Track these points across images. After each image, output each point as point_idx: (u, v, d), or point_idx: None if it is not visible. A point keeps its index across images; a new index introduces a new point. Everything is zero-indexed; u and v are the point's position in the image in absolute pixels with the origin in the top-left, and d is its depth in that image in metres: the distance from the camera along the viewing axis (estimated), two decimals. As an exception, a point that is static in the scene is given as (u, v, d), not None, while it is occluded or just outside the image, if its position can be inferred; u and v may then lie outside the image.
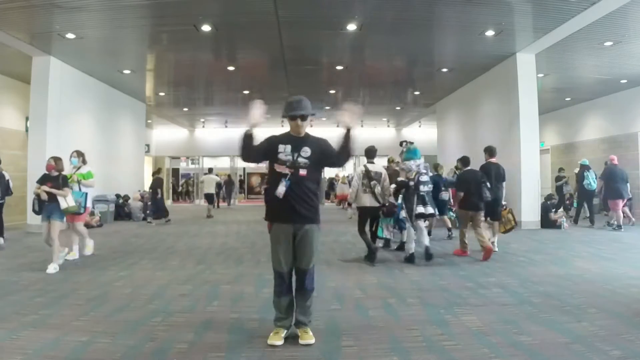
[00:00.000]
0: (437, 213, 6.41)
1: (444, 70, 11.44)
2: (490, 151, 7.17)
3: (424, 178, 5.98)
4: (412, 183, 5.92)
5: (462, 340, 3.09)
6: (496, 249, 6.62)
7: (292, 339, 3.12)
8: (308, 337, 3.04)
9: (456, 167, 8.60)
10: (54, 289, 4.49)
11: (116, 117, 13.22)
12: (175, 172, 23.80)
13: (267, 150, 3.14)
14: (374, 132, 21.87)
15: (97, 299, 4.17)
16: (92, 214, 10.71)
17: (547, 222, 9.71)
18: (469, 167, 6.85)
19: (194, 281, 4.93)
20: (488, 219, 6.79)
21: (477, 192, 6.32)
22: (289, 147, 3.08)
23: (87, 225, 10.09)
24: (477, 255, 6.19)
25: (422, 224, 6.13)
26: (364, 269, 5.60)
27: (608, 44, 8.88)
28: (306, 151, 3.08)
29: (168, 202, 19.15)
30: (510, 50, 9.63)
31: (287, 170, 3.05)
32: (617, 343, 2.98)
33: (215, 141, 22.23)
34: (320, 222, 3.20)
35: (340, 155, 3.10)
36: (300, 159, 3.06)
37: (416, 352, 2.91)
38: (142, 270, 5.56)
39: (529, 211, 9.69)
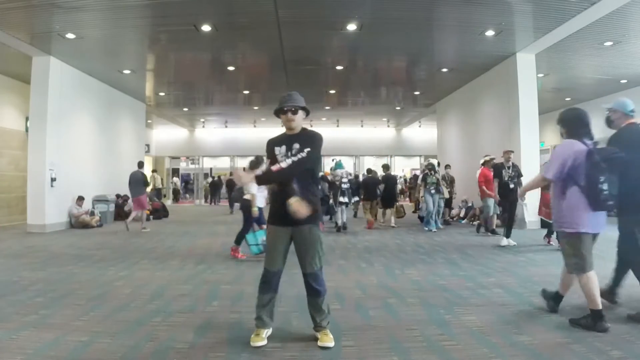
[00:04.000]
0: (351, 201, 10.20)
1: (444, 70, 11.44)
2: (386, 167, 10.99)
3: (345, 180, 9.68)
4: (338, 183, 9.67)
5: (462, 340, 3.08)
6: (393, 225, 10.34)
7: (292, 339, 3.13)
8: (327, 340, 3.00)
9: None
10: (54, 289, 4.49)
11: (116, 117, 13.22)
12: (176, 172, 23.85)
13: (271, 159, 3.10)
14: (374, 132, 21.92)
15: (97, 299, 4.17)
16: (92, 214, 10.73)
17: (545, 222, 9.68)
18: (370, 175, 11.33)
19: (194, 281, 4.93)
20: (386, 208, 10.66)
21: (373, 190, 10.37)
22: (283, 148, 3.03)
23: (87, 226, 10.15)
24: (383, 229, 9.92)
25: (343, 208, 9.69)
26: (363, 269, 5.61)
27: (608, 44, 8.89)
28: (295, 148, 2.96)
29: (168, 202, 19.18)
30: (510, 50, 9.63)
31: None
32: (617, 343, 2.98)
33: (215, 141, 22.26)
34: (321, 220, 3.17)
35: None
36: (293, 158, 2.95)
37: (416, 352, 2.91)
38: (142, 270, 5.56)
39: (529, 211, 9.68)
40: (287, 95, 3.11)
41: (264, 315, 3.09)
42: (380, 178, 10.96)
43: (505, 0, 7.04)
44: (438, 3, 7.26)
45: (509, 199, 7.34)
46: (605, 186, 3.20)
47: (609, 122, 3.84)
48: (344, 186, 9.58)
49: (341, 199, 9.54)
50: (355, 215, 12.92)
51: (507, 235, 7.27)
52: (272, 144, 3.11)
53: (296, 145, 2.97)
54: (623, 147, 3.43)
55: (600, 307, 3.24)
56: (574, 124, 3.53)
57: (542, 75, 10.84)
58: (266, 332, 3.09)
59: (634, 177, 3.39)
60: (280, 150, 3.03)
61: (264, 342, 3.02)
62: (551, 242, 7.25)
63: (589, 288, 3.27)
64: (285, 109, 3.04)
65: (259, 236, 5.94)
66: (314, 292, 3.06)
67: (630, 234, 3.55)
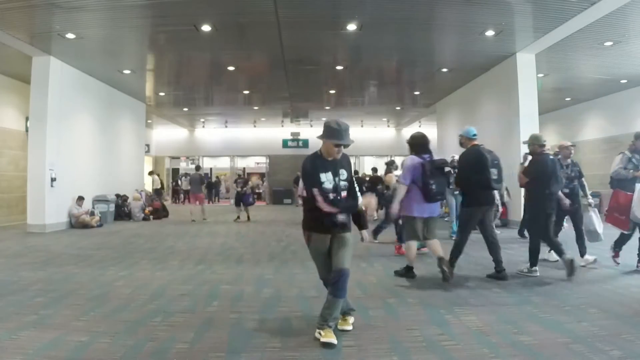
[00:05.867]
0: None
1: (444, 70, 11.44)
2: (374, 170, 12.73)
3: None
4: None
5: (462, 340, 3.09)
6: (375, 218, 11.00)
7: (292, 339, 3.13)
8: (331, 336, 3.03)
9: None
10: (54, 289, 4.49)
11: (116, 117, 13.21)
12: (176, 171, 23.81)
13: (315, 183, 3.15)
14: (374, 132, 21.92)
15: (97, 299, 4.17)
16: (92, 214, 10.73)
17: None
18: (357, 176, 11.56)
19: (194, 281, 4.93)
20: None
21: (359, 188, 11.17)
22: (330, 175, 3.16)
23: (87, 226, 10.15)
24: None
25: None
26: (364, 269, 5.61)
27: (608, 44, 8.88)
28: (343, 174, 3.21)
29: (167, 203, 19.15)
30: (510, 50, 9.63)
31: (330, 196, 3.11)
32: (617, 343, 2.98)
33: (215, 141, 22.24)
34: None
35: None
36: (341, 183, 3.19)
37: (416, 352, 2.91)
38: (142, 270, 5.56)
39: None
40: (344, 130, 3.13)
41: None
42: (368, 179, 12.60)
43: (505, 0, 7.04)
44: (438, 3, 7.26)
45: (568, 206, 5.66)
46: (434, 186, 4.70)
47: (460, 144, 5.30)
48: None
49: None
50: None
51: (582, 253, 5.68)
52: (317, 169, 3.15)
53: (343, 172, 3.22)
54: (466, 161, 5.06)
55: (412, 264, 5.04)
56: (415, 144, 5.00)
57: (542, 75, 10.83)
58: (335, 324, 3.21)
59: (474, 179, 4.90)
60: (327, 177, 3.15)
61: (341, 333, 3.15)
62: (618, 259, 5.54)
63: (409, 250, 5.01)
64: (344, 144, 3.16)
65: None
66: (342, 292, 3.11)
67: (469, 223, 5.11)
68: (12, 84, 11.22)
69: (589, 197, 6.00)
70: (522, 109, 9.86)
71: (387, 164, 8.75)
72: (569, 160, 5.93)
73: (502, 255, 5.02)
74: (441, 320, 3.54)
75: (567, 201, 5.52)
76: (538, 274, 5.04)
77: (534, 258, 5.08)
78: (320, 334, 3.06)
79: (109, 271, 5.44)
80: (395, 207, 4.86)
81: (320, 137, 3.20)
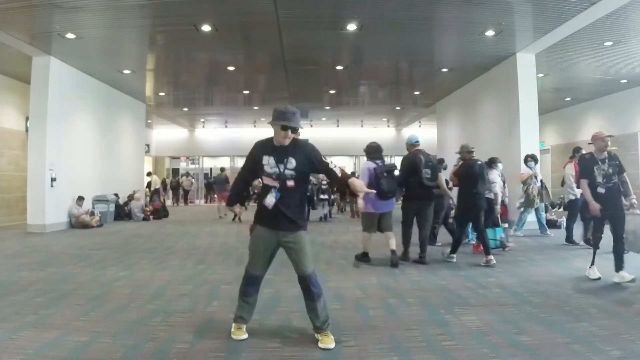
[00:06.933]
0: (331, 198, 12.95)
1: (444, 70, 11.44)
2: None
3: (324, 182, 11.87)
4: (317, 184, 12.01)
5: (462, 340, 3.08)
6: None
7: (292, 339, 3.13)
8: (328, 341, 2.99)
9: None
10: (54, 289, 4.49)
11: (116, 117, 13.22)
12: (176, 171, 23.79)
13: (254, 165, 3.11)
14: (374, 132, 21.92)
15: (97, 299, 4.17)
16: (92, 214, 10.73)
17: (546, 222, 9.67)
18: (357, 176, 13.49)
19: (194, 281, 4.93)
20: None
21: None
22: (272, 159, 3.03)
23: (87, 226, 10.15)
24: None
25: (324, 202, 12.30)
26: (364, 269, 5.61)
27: (608, 44, 8.88)
28: (291, 162, 3.03)
29: (167, 204, 19.14)
30: (510, 50, 9.63)
31: (274, 183, 3.03)
32: (617, 343, 2.98)
33: (215, 141, 22.25)
34: (307, 228, 3.19)
35: (331, 179, 3.28)
36: (286, 171, 3.01)
37: (416, 352, 2.91)
38: (142, 270, 5.56)
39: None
40: (291, 112, 3.03)
41: (246, 314, 3.21)
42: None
43: (505, 0, 7.05)
44: (438, 3, 7.26)
45: (605, 208, 4.63)
46: (384, 186, 5.49)
47: (407, 150, 6.16)
48: (324, 187, 12.12)
49: (322, 196, 12.11)
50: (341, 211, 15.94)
51: (619, 267, 4.53)
52: (260, 152, 3.08)
53: (292, 160, 3.02)
54: (405, 164, 5.98)
55: (368, 251, 5.99)
56: (370, 152, 5.91)
57: (542, 75, 10.84)
58: (245, 326, 3.22)
59: (411, 178, 5.87)
60: (269, 161, 3.03)
61: (247, 335, 3.14)
62: None
63: (365, 240, 6.00)
64: (290, 127, 2.99)
65: (498, 233, 6.75)
66: (312, 295, 3.06)
67: (405, 215, 6.13)
68: (12, 84, 11.22)
69: (632, 196, 4.95)
70: (522, 109, 9.86)
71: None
72: (604, 154, 4.80)
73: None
74: (441, 320, 3.54)
75: (596, 205, 4.63)
76: (455, 260, 6.03)
77: (455, 248, 6.14)
78: (318, 337, 3.06)
79: (109, 271, 5.44)
80: (360, 203, 5.75)
81: (270, 121, 3.08)
